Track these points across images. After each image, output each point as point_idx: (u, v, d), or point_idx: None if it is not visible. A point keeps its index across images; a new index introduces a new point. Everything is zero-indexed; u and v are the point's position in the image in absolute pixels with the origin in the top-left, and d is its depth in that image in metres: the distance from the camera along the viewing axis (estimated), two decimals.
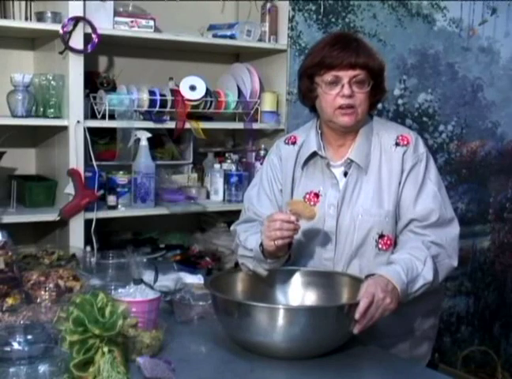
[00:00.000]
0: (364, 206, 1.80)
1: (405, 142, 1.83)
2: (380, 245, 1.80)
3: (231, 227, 1.99)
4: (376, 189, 1.80)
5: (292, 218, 1.65)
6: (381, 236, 1.80)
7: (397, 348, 1.83)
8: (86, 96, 2.49)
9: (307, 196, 1.86)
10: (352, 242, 1.81)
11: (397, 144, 1.83)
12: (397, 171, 1.80)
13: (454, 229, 1.82)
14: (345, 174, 1.84)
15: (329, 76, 1.76)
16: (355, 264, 1.82)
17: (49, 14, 2.39)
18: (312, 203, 1.85)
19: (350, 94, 1.75)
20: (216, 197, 2.82)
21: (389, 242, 1.80)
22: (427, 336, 1.94)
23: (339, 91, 1.75)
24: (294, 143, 1.94)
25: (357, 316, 1.53)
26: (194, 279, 2.10)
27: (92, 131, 2.49)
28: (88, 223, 2.47)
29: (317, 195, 1.85)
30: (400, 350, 1.84)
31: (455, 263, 1.80)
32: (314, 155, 1.86)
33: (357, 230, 1.80)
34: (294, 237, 1.70)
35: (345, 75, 1.75)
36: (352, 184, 1.82)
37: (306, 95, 1.87)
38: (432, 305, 1.93)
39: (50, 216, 2.43)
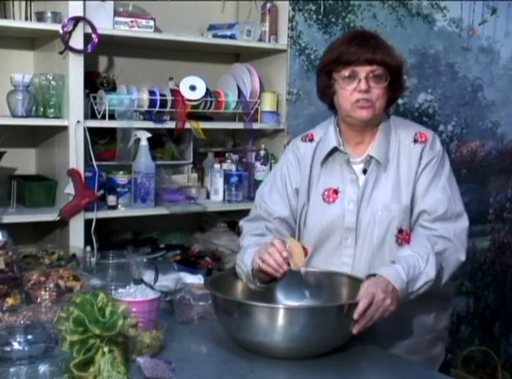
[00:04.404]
0: (384, 202, 1.81)
1: (423, 139, 1.84)
2: (399, 240, 1.81)
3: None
4: (395, 185, 1.81)
5: (285, 254, 1.64)
6: (400, 231, 1.81)
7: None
8: (86, 96, 2.49)
9: (326, 192, 1.87)
10: (373, 238, 1.81)
11: (415, 141, 1.84)
12: (415, 167, 1.82)
13: (463, 222, 1.81)
14: (364, 171, 1.85)
15: (346, 72, 1.77)
16: (376, 259, 1.81)
17: (49, 14, 2.39)
18: (331, 199, 1.85)
19: (366, 89, 1.75)
20: (216, 197, 2.82)
21: (407, 237, 1.81)
22: (442, 337, 1.95)
23: (356, 86, 1.76)
24: (311, 140, 1.94)
25: (356, 316, 1.53)
26: (194, 279, 2.09)
27: (92, 131, 2.48)
28: (88, 223, 2.47)
29: (336, 191, 1.86)
30: (414, 350, 1.83)
31: (463, 257, 1.79)
32: (333, 151, 1.87)
33: (377, 226, 1.80)
34: (280, 278, 1.68)
35: (362, 70, 1.76)
36: (371, 181, 1.83)
37: (325, 92, 1.88)
38: (440, 306, 1.93)
39: (50, 216, 2.43)
